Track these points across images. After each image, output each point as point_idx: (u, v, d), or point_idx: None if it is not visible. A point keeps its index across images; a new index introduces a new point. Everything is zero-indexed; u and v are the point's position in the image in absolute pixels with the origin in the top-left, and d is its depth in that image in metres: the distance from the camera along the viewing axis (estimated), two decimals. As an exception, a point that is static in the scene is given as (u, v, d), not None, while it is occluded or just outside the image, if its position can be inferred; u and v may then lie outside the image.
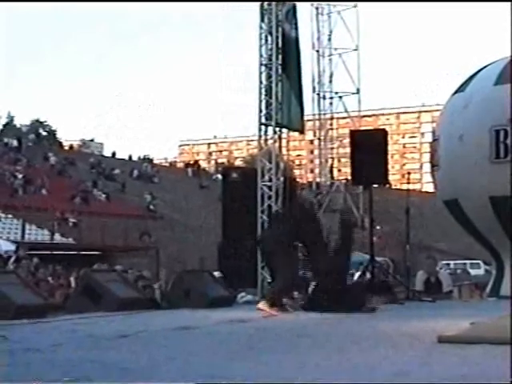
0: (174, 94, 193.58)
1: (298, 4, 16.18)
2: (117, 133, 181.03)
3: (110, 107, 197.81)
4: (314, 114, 18.61)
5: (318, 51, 18.68)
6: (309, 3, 18.56)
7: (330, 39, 18.79)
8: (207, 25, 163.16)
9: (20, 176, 41.19)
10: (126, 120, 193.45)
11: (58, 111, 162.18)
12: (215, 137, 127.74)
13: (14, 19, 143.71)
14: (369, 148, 13.43)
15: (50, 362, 5.00)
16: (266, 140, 15.16)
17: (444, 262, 34.82)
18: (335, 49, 18.70)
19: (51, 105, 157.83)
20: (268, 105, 14.95)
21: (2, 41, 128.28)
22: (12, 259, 19.72)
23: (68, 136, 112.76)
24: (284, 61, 15.08)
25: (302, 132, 16.68)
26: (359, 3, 18.52)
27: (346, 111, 18.82)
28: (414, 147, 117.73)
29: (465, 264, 38.67)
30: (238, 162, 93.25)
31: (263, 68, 15.11)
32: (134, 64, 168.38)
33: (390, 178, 15.80)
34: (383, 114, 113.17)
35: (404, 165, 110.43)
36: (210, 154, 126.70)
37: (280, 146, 15.38)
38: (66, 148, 61.89)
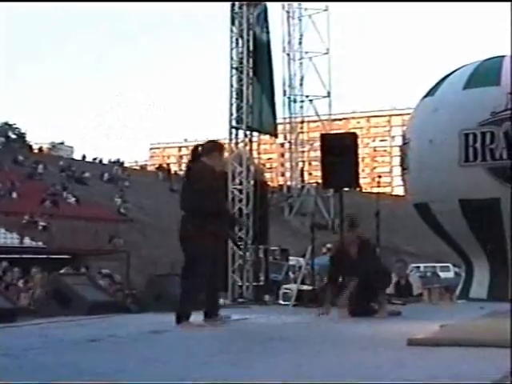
0: (165, 95, 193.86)
1: (269, 7, 16.22)
2: (91, 136, 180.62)
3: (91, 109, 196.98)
4: (284, 118, 18.64)
5: (288, 55, 18.70)
6: (280, 7, 18.60)
7: (300, 43, 18.82)
8: (207, 25, 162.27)
9: (-11, 179, 40.88)
10: (113, 122, 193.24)
11: (55, 112, 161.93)
12: (186, 140, 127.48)
13: (14, 19, 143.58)
14: (339, 151, 13.46)
15: (21, 367, 4.97)
16: (236, 143, 15.16)
17: (414, 264, 35.01)
18: (306, 52, 18.73)
19: (20, 106, 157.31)
20: (239, 108, 14.96)
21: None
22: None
23: (37, 139, 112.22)
24: (255, 64, 15.10)
25: (274, 135, 16.69)
26: (330, 7, 18.58)
27: (317, 114, 18.85)
28: (385, 150, 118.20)
29: (435, 267, 38.88)
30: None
31: (234, 71, 15.13)
32: (134, 64, 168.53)
33: (361, 181, 15.86)
34: (354, 118, 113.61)
35: (374, 168, 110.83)
36: (181, 157, 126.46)
37: (251, 150, 15.38)
38: (36, 151, 61.46)
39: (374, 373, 4.65)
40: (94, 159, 62.18)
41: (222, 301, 13.09)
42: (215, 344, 6.32)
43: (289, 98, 18.55)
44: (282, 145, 21.69)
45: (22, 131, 70.98)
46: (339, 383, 4.33)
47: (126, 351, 5.95)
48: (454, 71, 14.88)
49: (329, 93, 18.24)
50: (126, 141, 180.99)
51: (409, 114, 19.04)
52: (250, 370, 4.86)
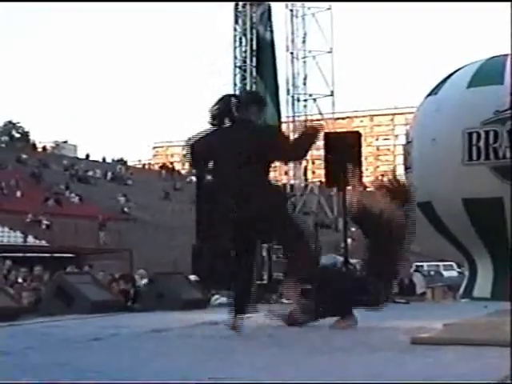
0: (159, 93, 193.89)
1: (273, 6, 16.21)
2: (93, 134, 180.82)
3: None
4: (288, 116, 18.65)
5: (292, 53, 18.72)
6: (283, 6, 18.59)
7: (304, 41, 18.84)
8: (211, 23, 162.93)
9: (-7, 178, 40.94)
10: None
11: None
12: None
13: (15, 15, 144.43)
14: (343, 150, 13.44)
15: (19, 366, 4.95)
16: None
17: (417, 263, 34.95)
18: (309, 51, 18.76)
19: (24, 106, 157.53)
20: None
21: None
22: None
23: (41, 137, 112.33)
24: (258, 63, 15.10)
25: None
26: (333, 6, 18.57)
27: (320, 113, 18.89)
28: (388, 149, 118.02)
29: (438, 266, 38.81)
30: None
31: (237, 70, 15.13)
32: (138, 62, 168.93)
33: (364, 180, 15.82)
34: (357, 116, 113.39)
35: (378, 167, 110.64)
36: (184, 156, 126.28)
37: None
38: (40, 150, 61.51)
39: (375, 371, 4.62)
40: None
41: (225, 299, 13.06)
42: (219, 342, 6.30)
43: (292, 96, 18.59)
44: (286, 144, 21.75)
45: (26, 130, 71.08)
46: (338, 382, 4.31)
47: (127, 350, 5.93)
48: (458, 70, 14.85)
49: (332, 92, 18.27)
50: (129, 140, 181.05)
51: (412, 112, 19.01)
52: (247, 368, 4.84)
